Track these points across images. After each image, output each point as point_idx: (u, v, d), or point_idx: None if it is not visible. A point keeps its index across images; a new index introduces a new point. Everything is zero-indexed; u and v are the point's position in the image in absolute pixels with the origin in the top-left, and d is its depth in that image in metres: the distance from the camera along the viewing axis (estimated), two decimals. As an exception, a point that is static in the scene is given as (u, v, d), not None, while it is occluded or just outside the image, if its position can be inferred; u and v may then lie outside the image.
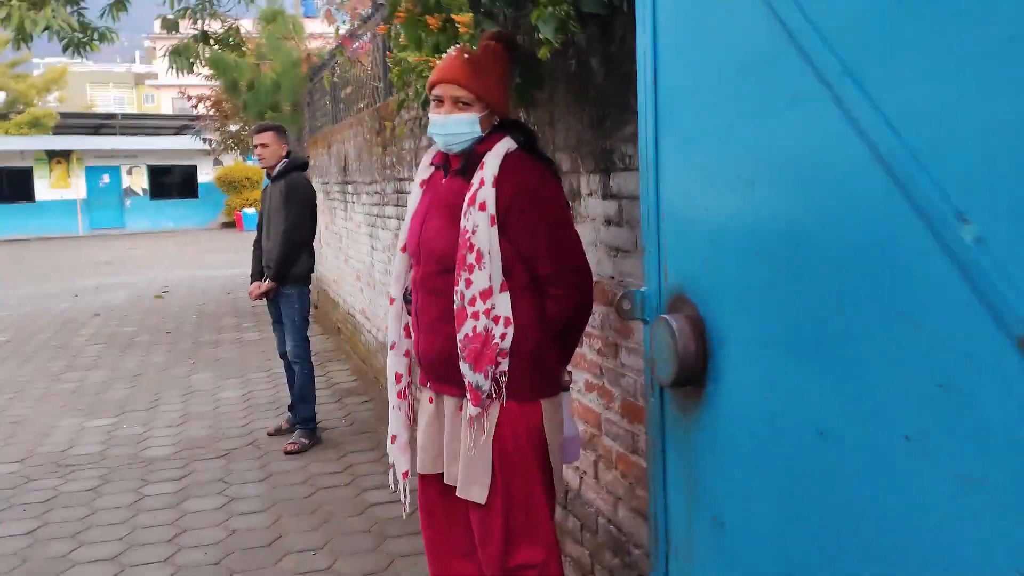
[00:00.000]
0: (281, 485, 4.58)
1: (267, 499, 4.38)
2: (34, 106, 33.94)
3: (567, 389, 2.52)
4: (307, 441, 5.16)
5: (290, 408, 5.47)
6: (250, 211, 28.33)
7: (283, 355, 5.47)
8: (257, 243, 5.45)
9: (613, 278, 2.60)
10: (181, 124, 33.03)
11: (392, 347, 2.66)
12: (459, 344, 2.35)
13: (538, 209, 2.36)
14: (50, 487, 4.65)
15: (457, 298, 2.35)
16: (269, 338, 8.76)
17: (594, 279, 2.44)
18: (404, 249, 2.59)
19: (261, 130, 5.24)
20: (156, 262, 18.61)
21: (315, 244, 5.43)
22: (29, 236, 28.11)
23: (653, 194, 1.30)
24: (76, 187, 29.91)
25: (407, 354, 2.65)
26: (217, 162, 30.13)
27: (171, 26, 9.38)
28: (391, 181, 5.76)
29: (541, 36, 2.21)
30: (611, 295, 2.61)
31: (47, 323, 10.34)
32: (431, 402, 2.54)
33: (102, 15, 9.22)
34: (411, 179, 5.25)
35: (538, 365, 2.39)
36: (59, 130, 31.67)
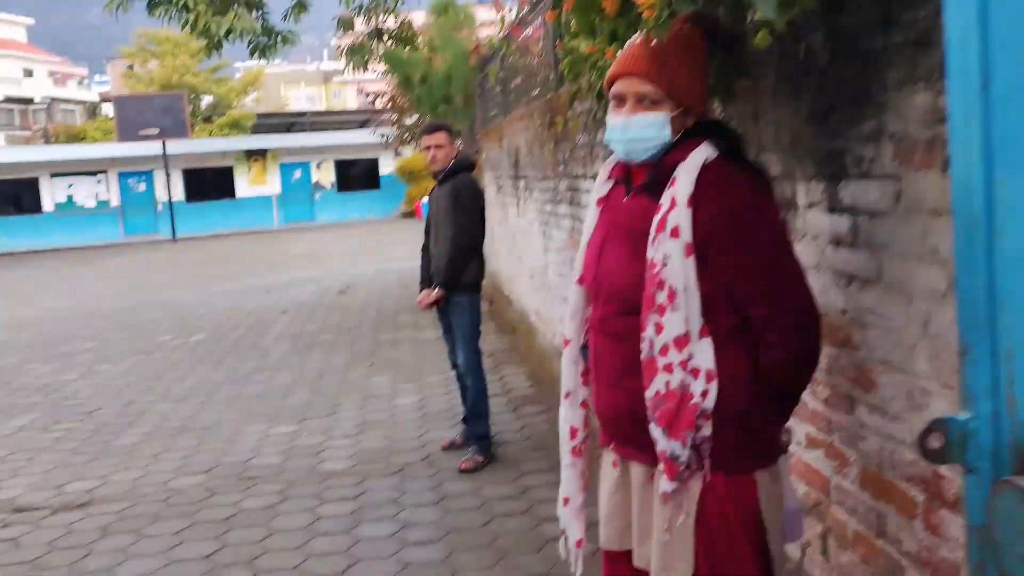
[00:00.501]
0: (455, 510, 4.31)
1: (441, 527, 4.12)
2: (234, 108, 36.20)
3: (786, 451, 2.03)
4: (481, 459, 4.88)
5: (464, 421, 5.22)
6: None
7: (454, 366, 5.22)
8: (425, 249, 5.22)
9: (845, 312, 2.07)
10: (364, 118, 34.26)
11: (566, 396, 2.26)
12: (649, 403, 1.91)
13: (748, 234, 1.87)
14: (231, 503, 4.61)
15: (645, 346, 1.91)
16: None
17: (820, 313, 1.93)
18: (580, 281, 2.18)
19: (433, 129, 4.96)
20: (341, 255, 19.22)
21: (487, 241, 5.12)
22: (231, 231, 29.99)
23: (983, 257, 0.82)
24: (271, 183, 31.66)
25: (584, 405, 2.24)
26: (397, 153, 30.97)
27: (347, 25, 9.43)
28: (564, 178, 5.37)
29: (758, 17, 1.71)
30: (842, 334, 2.08)
31: (241, 321, 10.74)
32: (615, 466, 2.12)
33: (284, 17, 9.39)
34: (586, 177, 4.83)
35: (750, 429, 1.91)
36: (256, 130, 33.66)
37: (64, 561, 4.01)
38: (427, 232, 5.19)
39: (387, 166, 32.25)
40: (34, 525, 4.49)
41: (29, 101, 50.25)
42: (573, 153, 5.00)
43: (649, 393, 1.91)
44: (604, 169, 2.20)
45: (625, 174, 2.10)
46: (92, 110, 45.86)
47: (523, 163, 6.83)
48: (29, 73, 57.42)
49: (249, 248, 23.60)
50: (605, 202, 2.15)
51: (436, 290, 4.95)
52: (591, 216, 2.18)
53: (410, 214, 30.84)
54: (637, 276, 1.95)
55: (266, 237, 27.71)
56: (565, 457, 2.29)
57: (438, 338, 8.63)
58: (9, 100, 48.88)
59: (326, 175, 32.43)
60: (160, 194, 29.90)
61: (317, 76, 58.71)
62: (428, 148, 4.96)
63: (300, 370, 7.75)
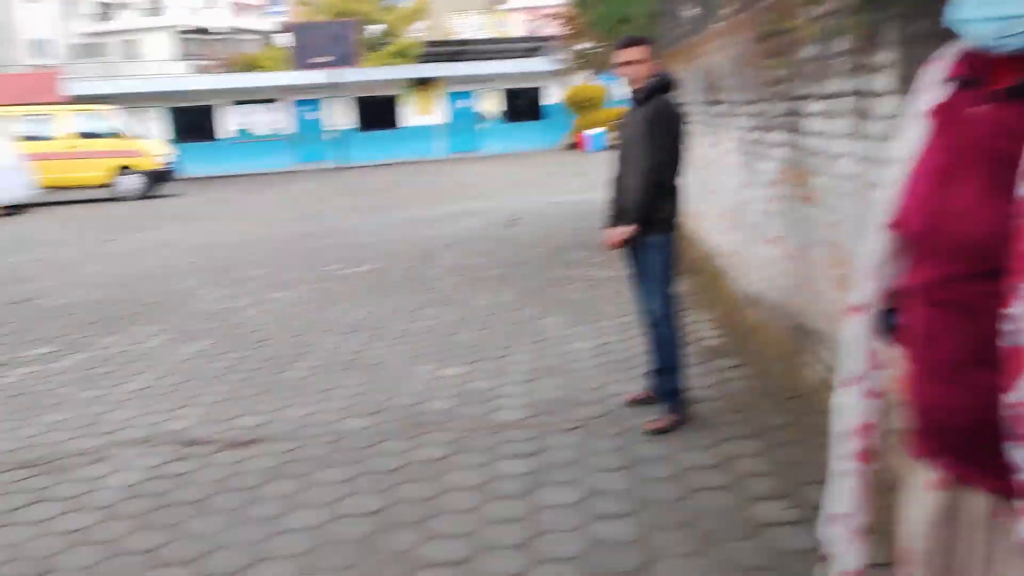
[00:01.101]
0: (646, 479, 3.78)
1: (631, 498, 3.61)
2: (401, 37, 36.33)
3: None
4: (674, 418, 4.32)
5: (652, 374, 4.66)
6: (596, 131, 28.07)
7: (644, 313, 4.64)
8: (616, 180, 4.61)
9: None
10: (530, 46, 33.57)
11: (852, 382, 1.64)
12: (1009, 411, 1.28)
13: None
14: (400, 451, 4.28)
15: (1010, 328, 1.27)
16: (622, 277, 8.05)
17: None
18: (897, 226, 1.54)
19: (630, 43, 4.30)
20: (506, 186, 18.87)
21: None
22: (396, 160, 30.32)
23: None
24: (437, 113, 31.68)
25: (875, 395, 1.62)
26: (564, 83, 30.19)
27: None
28: (780, 101, 4.60)
29: None
30: None
31: (407, 252, 10.55)
32: (940, 488, 1.50)
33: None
34: (811, 97, 4.06)
35: None
36: (423, 59, 33.67)
37: (229, 505, 3.79)
38: (619, 161, 4.59)
39: (553, 96, 31.55)
40: (203, 461, 4.32)
41: (211, 32, 52.58)
42: (798, 69, 4.23)
43: (1012, 397, 1.28)
44: (935, 66, 1.53)
45: (978, 72, 1.43)
46: (268, 39, 47.37)
47: (721, 86, 6.06)
48: (211, 3, 60.00)
49: (414, 178, 23.69)
50: (943, 114, 1.49)
51: (627, 227, 4.36)
52: (915, 134, 1.53)
53: (575, 146, 30.14)
54: (1000, 223, 1.30)
55: (431, 167, 27.80)
56: (843, 462, 1.68)
57: (613, 277, 8.09)
58: (194, 31, 51.32)
59: (491, 105, 32.11)
60: (329, 122, 30.52)
61: (484, 3, 58.14)
62: (624, 64, 4.32)
63: (468, 306, 7.40)
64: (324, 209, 16.64)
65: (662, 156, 4.22)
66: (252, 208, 18.09)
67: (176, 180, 23.68)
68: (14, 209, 19.37)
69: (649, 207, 4.25)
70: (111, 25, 55.24)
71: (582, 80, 28.18)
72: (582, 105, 29.44)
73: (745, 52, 5.33)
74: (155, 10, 54.36)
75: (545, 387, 5.13)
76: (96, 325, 7.49)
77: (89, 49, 54.93)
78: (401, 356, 6.01)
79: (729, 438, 4.16)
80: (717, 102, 6.18)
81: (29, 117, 21.84)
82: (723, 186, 6.15)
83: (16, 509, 3.88)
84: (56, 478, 4.21)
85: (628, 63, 4.28)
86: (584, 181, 18.39)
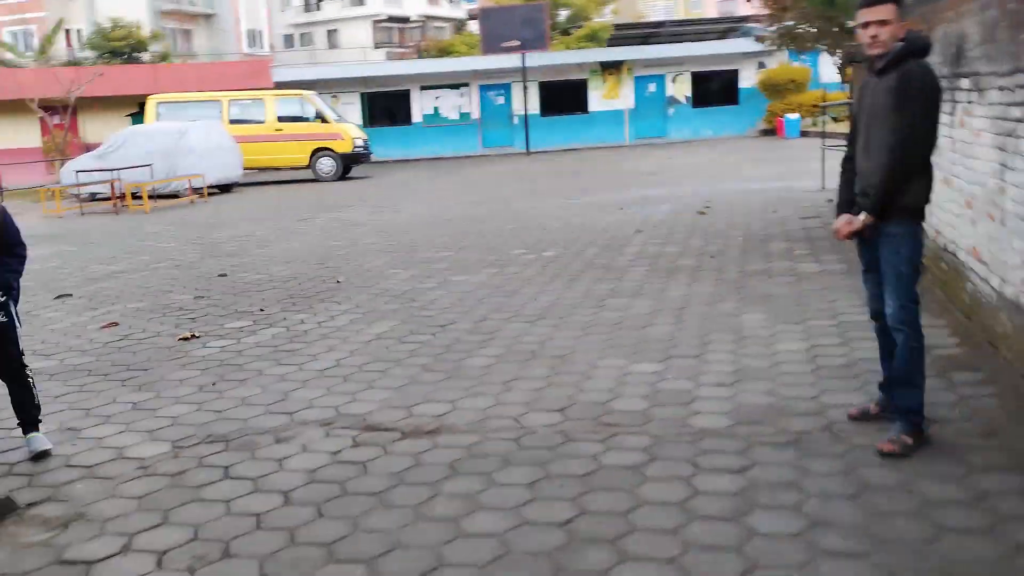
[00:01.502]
0: (882, 513, 3.20)
1: (864, 534, 3.05)
2: (591, 20, 35.89)
3: None
4: (911, 441, 3.69)
5: (882, 387, 4.04)
6: (793, 117, 26.57)
7: (876, 316, 4.01)
8: (848, 160, 4.00)
9: None
10: (725, 27, 32.26)
11: None
12: None
13: None
14: (590, 455, 3.90)
15: None
16: (831, 272, 7.33)
17: None
18: None
19: (875, 1, 3.69)
20: (696, 173, 18.09)
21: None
22: (581, 145, 29.99)
23: None
24: (624, 97, 31.06)
25: None
26: (760, 65, 28.75)
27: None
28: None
29: None
30: None
31: (594, 238, 10.17)
32: None
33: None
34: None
35: None
36: (612, 42, 33.09)
37: (410, 500, 3.56)
38: (851, 140, 3.97)
39: (747, 79, 30.17)
40: (383, 449, 4.13)
41: (406, 20, 54.24)
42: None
43: None
44: None
45: None
46: (459, 26, 48.31)
47: (971, 55, 5.24)
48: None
49: (600, 163, 23.28)
50: None
51: (862, 215, 3.76)
52: None
53: (770, 131, 28.68)
54: None
55: (617, 152, 27.28)
56: None
57: (822, 272, 7.37)
58: (390, 19, 53.11)
59: (681, 88, 31.12)
60: (516, 107, 30.60)
61: (675, -14, 56.68)
62: (867, 26, 3.71)
63: (660, 298, 6.92)
64: (509, 193, 16.55)
65: (912, 131, 3.58)
66: (439, 191, 18.31)
67: (369, 163, 24.49)
68: (224, 188, 20.63)
69: (894, 191, 3.63)
70: (317, 16, 58.19)
71: (779, 62, 26.79)
72: (779, 88, 27.90)
73: (1003, 16, 4.53)
74: (358, 1, 56.73)
75: (750, 392, 4.60)
76: (289, 301, 7.61)
77: (297, 39, 58.19)
78: (588, 348, 5.64)
79: (983, 469, 3.49)
80: (964, 75, 5.35)
81: (240, 102, 23.19)
82: (969, 171, 5.32)
83: (203, 486, 3.83)
84: (242, 455, 4.14)
85: (873, 24, 3.67)
86: (781, 168, 17.34)
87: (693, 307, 6.53)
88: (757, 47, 22.90)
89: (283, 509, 3.56)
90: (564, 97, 30.88)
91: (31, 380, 4.27)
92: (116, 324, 6.99)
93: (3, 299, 4.07)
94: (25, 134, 28.23)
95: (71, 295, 8.27)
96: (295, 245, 11.17)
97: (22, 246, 4.16)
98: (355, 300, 7.53)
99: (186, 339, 6.42)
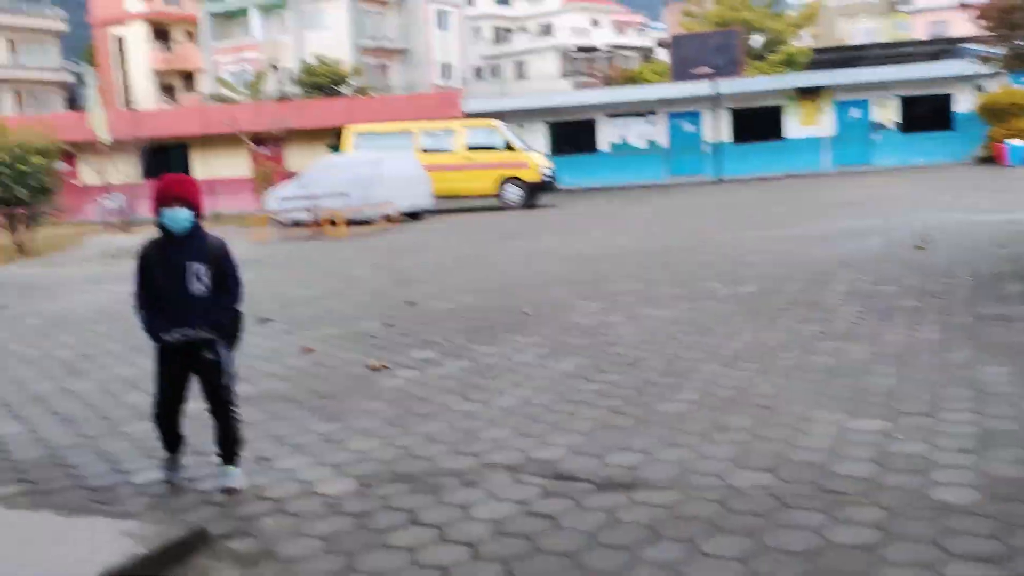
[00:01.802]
0: None
1: None
2: (788, 44, 34.54)
3: None
4: None
5: None
6: (1016, 143, 24.26)
7: None
8: None
9: None
10: (936, 49, 30.11)
11: None
12: None
13: None
14: (812, 527, 3.41)
15: None
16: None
17: None
18: None
19: None
20: (907, 203, 16.73)
21: None
22: (777, 174, 28.74)
23: None
24: (824, 123, 29.54)
25: None
26: (978, 88, 26.52)
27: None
28: None
29: None
30: None
31: (795, 272, 9.48)
32: None
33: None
34: None
35: None
36: (811, 66, 31.65)
37: (604, 565, 3.22)
38: None
39: (962, 103, 27.90)
40: (575, 502, 3.82)
41: (594, 50, 54.56)
42: None
43: None
44: None
45: None
46: (647, 55, 48.00)
47: None
48: (596, 23, 62.44)
49: (797, 192, 22.15)
50: None
51: None
52: None
53: (989, 159, 26.34)
54: None
55: (815, 181, 25.89)
56: None
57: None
58: (578, 50, 53.60)
59: (887, 113, 29.21)
60: (707, 135, 29.80)
61: (879, 7, 53.76)
62: None
63: (878, 342, 6.23)
64: (699, 223, 15.96)
65: None
66: (626, 220, 17.97)
67: (555, 191, 24.52)
68: (413, 216, 21.25)
69: None
70: (506, 48, 59.71)
71: (1001, 84, 24.61)
72: (1003, 112, 25.56)
73: None
74: (546, 32, 57.75)
75: (1000, 461, 3.94)
76: (474, 332, 7.50)
77: (486, 71, 59.89)
78: (795, 397, 5.10)
79: None
80: None
81: (431, 132, 23.89)
82: None
83: (388, 530, 3.66)
84: (427, 499, 3.95)
85: None
86: (1006, 198, 15.76)
87: (918, 355, 5.82)
88: (973, 69, 21.13)
89: (470, 565, 3.31)
90: (758, 124, 29.74)
91: (237, 417, 4.23)
92: (312, 350, 7.11)
93: (211, 338, 4.06)
94: (239, 165, 30.47)
95: (271, 320, 8.57)
96: (481, 274, 11.16)
97: (236, 281, 4.13)
98: (541, 333, 7.30)
99: (375, 369, 6.40)
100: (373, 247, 15.62)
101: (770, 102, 29.63)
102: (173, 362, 4.09)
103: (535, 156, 23.81)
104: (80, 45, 60.16)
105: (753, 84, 29.97)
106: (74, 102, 50.19)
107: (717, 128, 28.42)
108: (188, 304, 3.96)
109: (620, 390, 5.50)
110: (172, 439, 4.27)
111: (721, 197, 22.64)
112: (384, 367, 6.44)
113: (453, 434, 4.85)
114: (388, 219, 19.43)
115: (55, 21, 56.48)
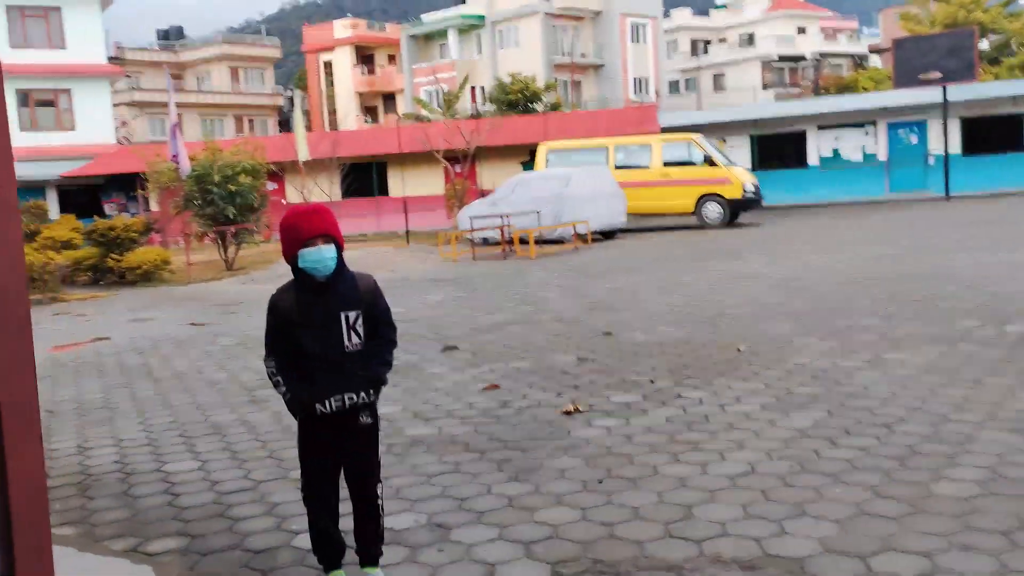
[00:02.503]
0: None
1: None
2: (1025, 46, 30.98)
3: None
4: None
5: None
6: None
7: None
8: None
9: None
10: None
11: None
12: None
13: None
14: None
15: None
16: None
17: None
18: None
19: None
20: None
21: None
22: (1016, 190, 25.53)
23: None
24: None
25: None
26: None
27: None
28: None
29: None
30: None
31: (1073, 308, 7.82)
32: None
33: None
34: None
35: None
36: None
37: None
38: None
39: None
40: (842, 635, 2.80)
41: (799, 59, 51.70)
42: None
43: None
44: None
45: None
46: (859, 62, 44.83)
47: None
48: (802, 31, 59.27)
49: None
50: None
51: None
52: None
53: None
54: None
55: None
56: None
57: None
58: (781, 59, 50.98)
59: None
60: (933, 146, 27.01)
61: None
62: None
63: None
64: (932, 245, 14.11)
65: None
66: (843, 240, 16.27)
67: (759, 208, 22.94)
68: (606, 235, 20.42)
69: None
70: (704, 60, 57.90)
71: None
72: None
73: None
74: (747, 42, 55.47)
75: None
76: (681, 372, 6.53)
77: (682, 84, 58.32)
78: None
79: None
80: None
81: (626, 147, 23.01)
82: None
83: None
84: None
85: None
86: None
87: None
88: None
89: None
90: (993, 134, 26.62)
91: (381, 503, 3.37)
92: (497, 387, 6.41)
93: (374, 398, 3.28)
94: (432, 183, 30.89)
95: (457, 348, 7.98)
96: (682, 300, 10.14)
97: (391, 328, 3.34)
98: (762, 377, 6.23)
99: (569, 413, 5.59)
100: (564, 268, 14.92)
101: (1008, 110, 26.43)
102: (322, 437, 3.26)
103: (737, 171, 22.35)
104: (292, 71, 64.19)
105: (990, 90, 26.87)
106: (285, 124, 53.38)
107: (945, 139, 25.61)
108: (345, 363, 3.17)
109: (876, 460, 4.38)
110: (335, 551, 3.36)
111: (952, 214, 20.25)
112: (578, 410, 5.62)
113: (665, 510, 3.94)
114: (580, 238, 18.71)
115: (272, 49, 60.46)
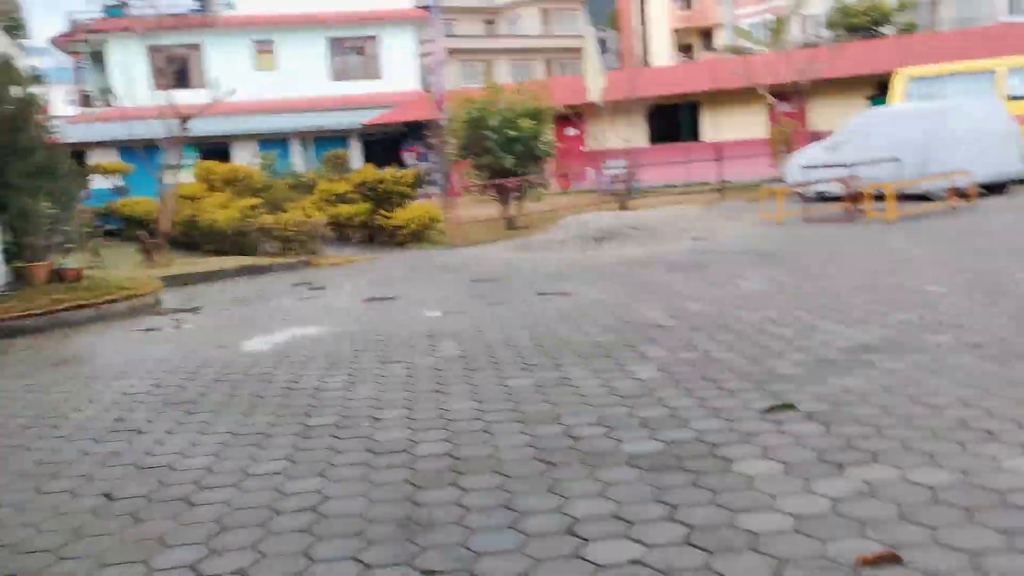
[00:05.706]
0: None
1: None
2: None
3: None
4: None
5: None
6: None
7: None
8: None
9: None
10: None
11: None
12: None
13: None
14: None
15: None
16: None
17: None
18: None
19: None
20: None
21: None
22: None
23: None
24: None
25: None
26: None
27: None
28: None
29: None
30: None
31: None
32: None
33: None
34: None
35: None
36: None
37: None
38: None
39: None
40: None
41: None
42: None
43: None
44: None
45: None
46: None
47: None
48: None
49: None
50: None
51: None
52: None
53: None
54: None
55: None
56: None
57: None
58: None
59: None
60: None
61: None
62: None
63: None
64: None
65: None
66: None
67: None
68: (994, 189, 15.15)
69: None
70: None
71: None
72: None
73: None
74: None
75: None
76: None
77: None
78: None
79: None
80: None
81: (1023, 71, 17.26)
82: None
83: None
84: None
85: None
86: None
87: None
88: None
89: None
90: None
91: None
92: (898, 560, 2.88)
93: None
94: (754, 124, 26.49)
95: (793, 407, 4.48)
96: None
97: None
98: None
99: None
100: (946, 239, 10.54)
101: None
102: None
103: None
104: (603, 10, 61.37)
105: None
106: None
107: None
108: None
109: None
110: None
111: None
112: None
113: None
114: (959, 194, 13.82)
115: (583, -11, 58.02)
